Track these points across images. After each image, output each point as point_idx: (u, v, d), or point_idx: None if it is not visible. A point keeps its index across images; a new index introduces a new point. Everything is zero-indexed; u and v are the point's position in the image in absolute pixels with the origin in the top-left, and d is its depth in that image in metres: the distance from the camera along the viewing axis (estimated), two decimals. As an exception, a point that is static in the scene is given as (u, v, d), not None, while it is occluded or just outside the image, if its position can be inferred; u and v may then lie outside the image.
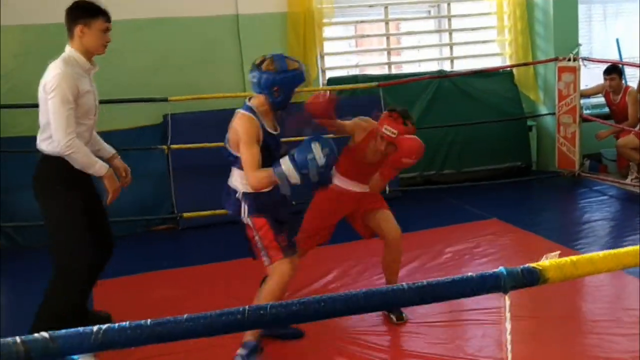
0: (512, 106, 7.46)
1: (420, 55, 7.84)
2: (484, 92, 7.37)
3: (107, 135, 5.86)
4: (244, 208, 3.34)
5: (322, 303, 1.45)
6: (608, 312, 3.96)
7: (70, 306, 3.50)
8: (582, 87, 7.26)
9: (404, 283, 1.53)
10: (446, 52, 7.74)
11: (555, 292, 4.10)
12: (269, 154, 3.27)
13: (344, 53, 7.71)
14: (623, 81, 7.22)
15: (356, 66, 7.49)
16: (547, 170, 7.37)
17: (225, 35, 6.69)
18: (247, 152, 3.20)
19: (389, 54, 7.53)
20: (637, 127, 6.82)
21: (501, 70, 7.53)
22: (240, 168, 3.30)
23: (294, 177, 3.09)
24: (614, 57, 7.79)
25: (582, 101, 7.24)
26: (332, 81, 6.96)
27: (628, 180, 6.87)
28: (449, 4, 7.63)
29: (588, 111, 7.62)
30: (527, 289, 1.59)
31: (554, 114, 7.27)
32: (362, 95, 6.84)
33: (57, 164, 3.39)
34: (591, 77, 7.45)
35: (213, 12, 6.63)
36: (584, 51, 7.38)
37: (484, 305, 3.96)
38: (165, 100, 6.00)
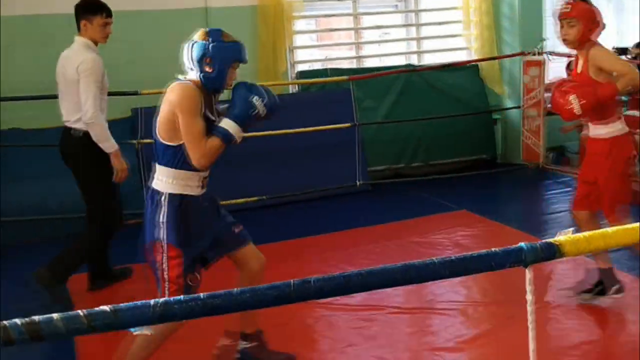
0: (478, 100, 7.59)
1: (388, 49, 7.91)
2: (451, 86, 7.48)
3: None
4: (162, 220, 2.84)
5: (360, 277, 1.53)
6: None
7: (93, 248, 4.33)
8: (547, 81, 7.41)
9: (434, 258, 1.61)
10: (414, 46, 7.82)
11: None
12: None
13: (313, 47, 7.75)
14: (586, 75, 7.37)
15: (325, 60, 7.53)
16: (512, 163, 7.51)
17: (195, 28, 6.64)
18: (191, 123, 2.77)
19: (357, 47, 7.59)
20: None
21: (468, 64, 7.64)
22: (167, 164, 2.87)
23: (240, 135, 2.84)
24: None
25: (546, 95, 7.38)
26: (302, 75, 7.00)
27: (591, 172, 7.03)
28: (416, -1, 7.72)
29: (552, 105, 7.76)
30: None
31: (519, 107, 7.41)
32: (332, 89, 6.89)
33: (90, 143, 4.07)
34: (556, 71, 7.59)
35: (183, 5, 6.60)
36: (549, 45, 7.52)
37: (450, 298, 4.11)
38: (136, 93, 5.98)
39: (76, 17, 4.16)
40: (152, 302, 1.39)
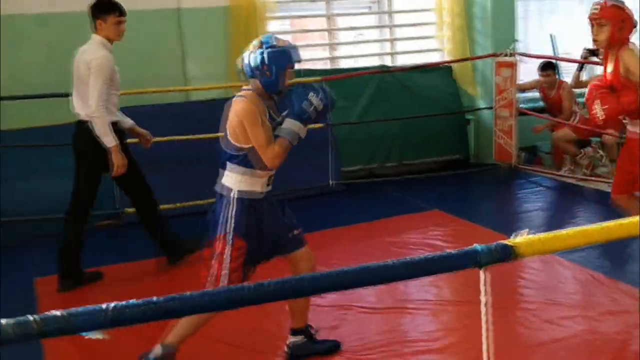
0: (451, 101, 7.63)
1: (362, 50, 7.93)
2: (425, 86, 7.52)
3: (46, 130, 5.89)
4: (230, 214, 3.11)
5: (314, 280, 1.54)
6: (548, 296, 4.11)
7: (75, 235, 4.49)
8: (519, 81, 7.47)
9: (393, 259, 1.60)
10: (387, 47, 7.85)
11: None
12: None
13: (287, 47, 7.73)
14: (557, 76, 7.45)
15: (298, 61, 7.49)
16: (485, 163, 7.56)
17: (166, 29, 6.64)
18: (257, 131, 3.05)
19: (331, 48, 7.60)
20: (571, 120, 7.05)
21: (441, 65, 7.68)
22: (239, 163, 3.13)
23: (303, 131, 3.09)
24: (550, 52, 8.03)
25: (518, 95, 7.45)
26: (275, 75, 6.98)
27: (562, 172, 7.11)
28: (389, 0, 7.74)
29: (524, 105, 7.82)
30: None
31: (491, 108, 7.46)
32: (305, 89, 6.88)
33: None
34: (528, 72, 7.66)
35: (154, 6, 6.56)
36: (521, 47, 7.58)
37: (422, 297, 4.13)
38: (106, 94, 5.94)
39: (91, 17, 4.40)
40: (104, 306, 1.37)
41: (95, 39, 4.40)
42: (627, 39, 3.83)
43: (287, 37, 7.70)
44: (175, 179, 6.21)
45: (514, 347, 3.50)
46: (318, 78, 6.72)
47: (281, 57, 3.10)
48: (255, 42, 3.18)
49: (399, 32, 7.90)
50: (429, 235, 5.29)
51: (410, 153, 7.37)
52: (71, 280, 4.49)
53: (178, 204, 6.05)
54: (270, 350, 3.61)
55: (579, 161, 7.09)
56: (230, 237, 3.09)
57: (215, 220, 3.15)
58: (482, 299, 1.66)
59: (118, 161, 4.32)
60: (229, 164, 3.17)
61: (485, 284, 1.64)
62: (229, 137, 3.13)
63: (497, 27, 7.53)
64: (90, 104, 4.26)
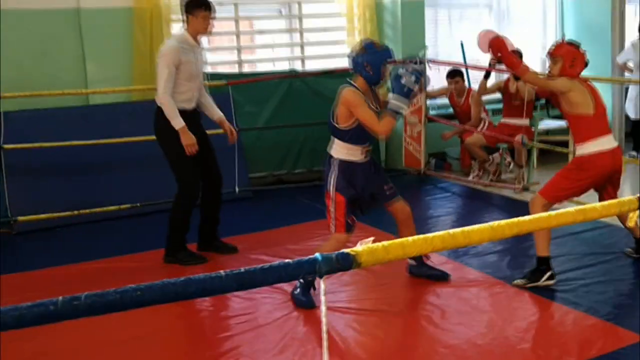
0: (362, 106, 7.60)
1: (272, 54, 7.84)
2: (335, 92, 7.38)
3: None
4: (333, 176, 4.03)
5: (138, 292, 1.45)
6: (439, 301, 4.10)
7: (183, 213, 4.82)
8: (428, 88, 7.51)
9: (221, 271, 1.54)
10: (298, 51, 7.78)
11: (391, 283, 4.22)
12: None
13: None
14: (466, 83, 7.53)
15: (205, 64, 7.34)
16: (395, 169, 7.57)
17: (65, 29, 6.38)
18: (365, 113, 3.90)
19: (239, 52, 7.47)
20: (480, 127, 7.13)
21: (351, 71, 7.61)
22: (341, 138, 4.01)
23: (404, 105, 3.86)
24: (459, 59, 8.11)
25: (427, 102, 7.49)
26: (180, 79, 6.81)
27: (470, 178, 7.18)
28: (299, 4, 7.68)
29: (433, 112, 7.89)
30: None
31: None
32: (211, 93, 6.72)
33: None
34: (438, 78, 7.71)
35: (52, 5, 6.30)
36: (430, 53, 7.64)
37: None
38: (-4, 96, 5.66)
39: (182, 12, 4.78)
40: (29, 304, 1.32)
41: (178, 33, 4.89)
42: (578, 74, 4.29)
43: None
44: (74, 185, 5.96)
45: (425, 347, 3.46)
46: (223, 82, 6.59)
47: (380, 57, 3.97)
48: (357, 47, 4.08)
49: (310, 37, 7.83)
50: (331, 241, 5.21)
51: (320, 159, 7.25)
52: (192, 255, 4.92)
53: (75, 212, 5.80)
54: None
55: (487, 167, 7.18)
56: (332, 193, 4.03)
57: (325, 180, 4.09)
58: (322, 308, 1.61)
59: (186, 141, 4.61)
60: (334, 139, 4.07)
61: (324, 294, 1.61)
62: (336, 118, 4.00)
63: (407, 34, 7.57)
64: (158, 91, 4.64)
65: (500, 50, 4.39)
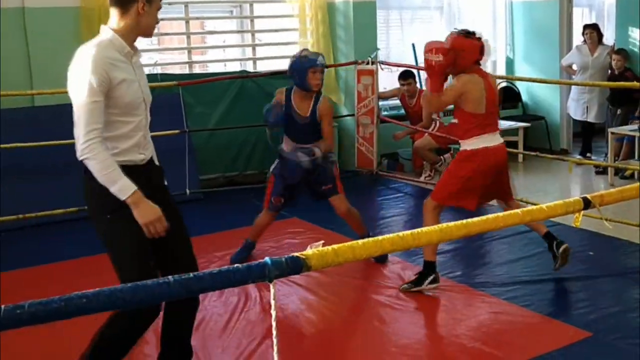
0: (315, 107, 7.57)
1: (224, 55, 7.78)
2: (287, 93, 7.42)
3: None
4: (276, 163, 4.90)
5: (84, 299, 1.41)
6: (390, 301, 4.11)
7: (122, 338, 2.86)
8: (380, 89, 7.55)
9: (169, 277, 1.50)
10: (249, 52, 7.73)
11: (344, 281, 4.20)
12: (292, 125, 4.66)
13: (143, 51, 7.41)
14: (418, 85, 7.58)
15: (154, 65, 7.25)
16: (347, 170, 7.55)
17: (9, 29, 6.20)
18: None
19: (190, 53, 7.38)
20: (431, 129, 7.18)
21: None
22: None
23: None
24: (411, 61, 8.17)
25: (380, 103, 7.52)
26: (129, 80, 6.70)
27: (422, 178, 7.24)
28: (251, 5, 7.63)
29: (386, 113, 7.93)
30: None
31: (353, 115, 7.49)
32: (161, 94, 6.63)
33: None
34: (391, 80, 7.76)
35: (-6, 3, 6.14)
36: (382, 55, 7.67)
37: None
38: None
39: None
40: None
41: (102, 36, 3.03)
42: (473, 63, 4.17)
43: (148, 41, 7.57)
44: (18, 189, 5.81)
45: (378, 347, 3.45)
46: (173, 83, 6.50)
47: (300, 65, 4.48)
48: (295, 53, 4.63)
49: (262, 38, 7.79)
50: (283, 243, 5.22)
51: (272, 160, 7.19)
52: None
53: (21, 216, 5.66)
54: None
55: (438, 168, 7.23)
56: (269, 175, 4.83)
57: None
58: (273, 313, 1.60)
59: (146, 216, 2.71)
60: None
61: (274, 298, 1.58)
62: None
63: (359, 35, 7.58)
64: (78, 141, 2.80)
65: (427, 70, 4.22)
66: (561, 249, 4.38)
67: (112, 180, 2.65)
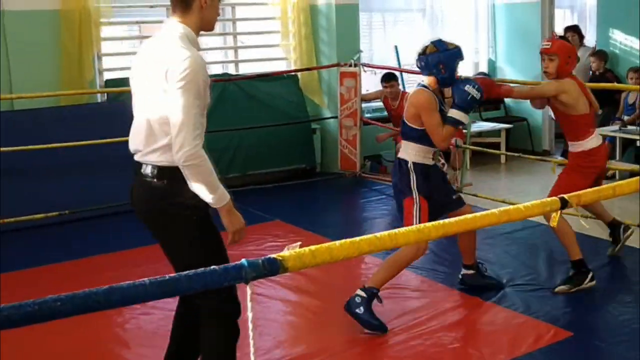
0: (297, 110, 7.57)
1: (205, 57, 7.74)
2: (270, 95, 7.42)
3: None
4: (413, 179, 3.86)
5: (58, 302, 1.38)
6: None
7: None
8: (363, 91, 7.55)
9: (145, 279, 1.47)
10: (231, 55, 7.71)
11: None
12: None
13: (124, 54, 7.39)
14: (401, 87, 7.59)
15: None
16: (330, 172, 7.58)
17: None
18: (431, 118, 3.76)
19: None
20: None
21: (286, 74, 7.61)
22: (416, 141, 3.84)
23: (465, 118, 3.80)
24: (393, 63, 8.17)
25: (363, 105, 7.52)
26: (110, 83, 6.67)
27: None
28: (233, 7, 7.61)
29: (369, 115, 7.93)
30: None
31: (336, 117, 7.49)
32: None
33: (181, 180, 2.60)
34: (373, 82, 7.76)
35: (-28, 7, 6.09)
36: (365, 57, 7.67)
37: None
38: None
39: None
40: None
41: (177, 28, 2.79)
42: (571, 71, 4.28)
43: (128, 44, 7.55)
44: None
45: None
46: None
47: (454, 57, 3.82)
48: (429, 46, 3.84)
49: (244, 40, 7.78)
50: (265, 246, 5.19)
51: (255, 163, 7.23)
52: None
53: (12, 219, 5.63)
54: None
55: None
56: (416, 198, 3.85)
57: (400, 187, 3.93)
58: (249, 314, 1.59)
59: (235, 225, 2.87)
60: (405, 141, 3.90)
61: (251, 300, 1.57)
62: (407, 118, 3.86)
63: (341, 38, 7.58)
64: (180, 143, 2.56)
65: (490, 94, 4.21)
66: (627, 233, 4.67)
67: (215, 187, 2.61)
